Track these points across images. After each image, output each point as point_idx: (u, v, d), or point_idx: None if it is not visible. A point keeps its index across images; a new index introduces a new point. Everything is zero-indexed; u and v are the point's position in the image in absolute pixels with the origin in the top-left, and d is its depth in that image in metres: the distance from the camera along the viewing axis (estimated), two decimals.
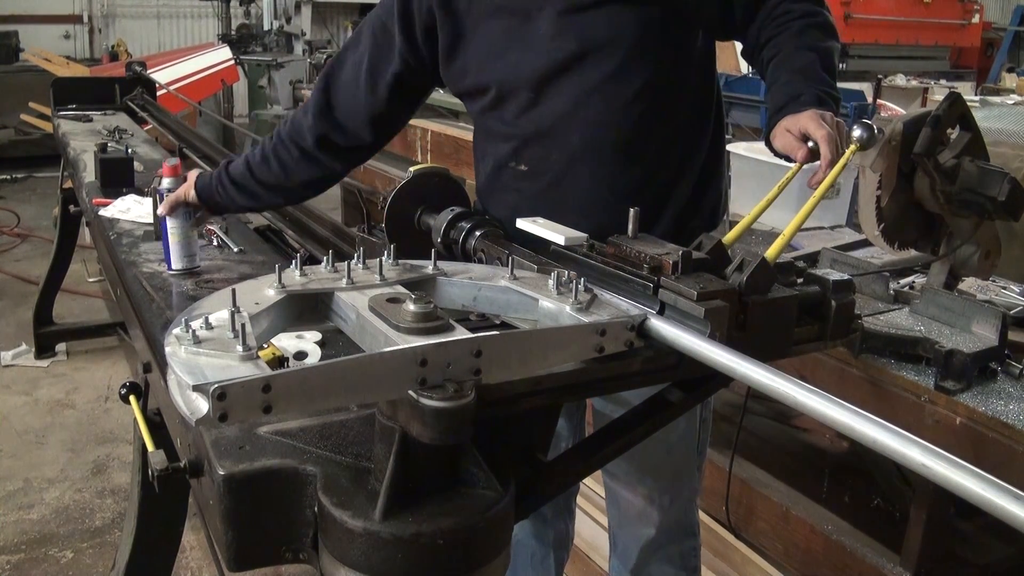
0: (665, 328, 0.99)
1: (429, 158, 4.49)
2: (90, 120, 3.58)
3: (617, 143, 1.56)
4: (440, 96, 4.55)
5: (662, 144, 1.59)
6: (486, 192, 1.71)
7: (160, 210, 1.75)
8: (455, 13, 1.57)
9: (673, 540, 1.85)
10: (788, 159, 1.46)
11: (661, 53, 1.54)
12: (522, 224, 1.34)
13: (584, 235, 1.26)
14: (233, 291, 0.97)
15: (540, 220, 1.34)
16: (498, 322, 1.19)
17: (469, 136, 4.15)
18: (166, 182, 1.75)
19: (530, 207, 1.49)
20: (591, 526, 2.59)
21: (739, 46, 1.69)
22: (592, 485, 2.66)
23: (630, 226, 1.19)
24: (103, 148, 2.60)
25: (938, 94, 6.91)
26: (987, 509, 0.67)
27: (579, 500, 2.65)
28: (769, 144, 1.51)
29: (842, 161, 1.36)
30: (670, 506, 1.81)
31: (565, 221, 1.35)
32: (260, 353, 0.88)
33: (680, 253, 1.08)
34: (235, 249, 1.87)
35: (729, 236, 1.22)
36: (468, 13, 1.57)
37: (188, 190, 1.73)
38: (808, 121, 1.42)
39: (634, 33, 1.51)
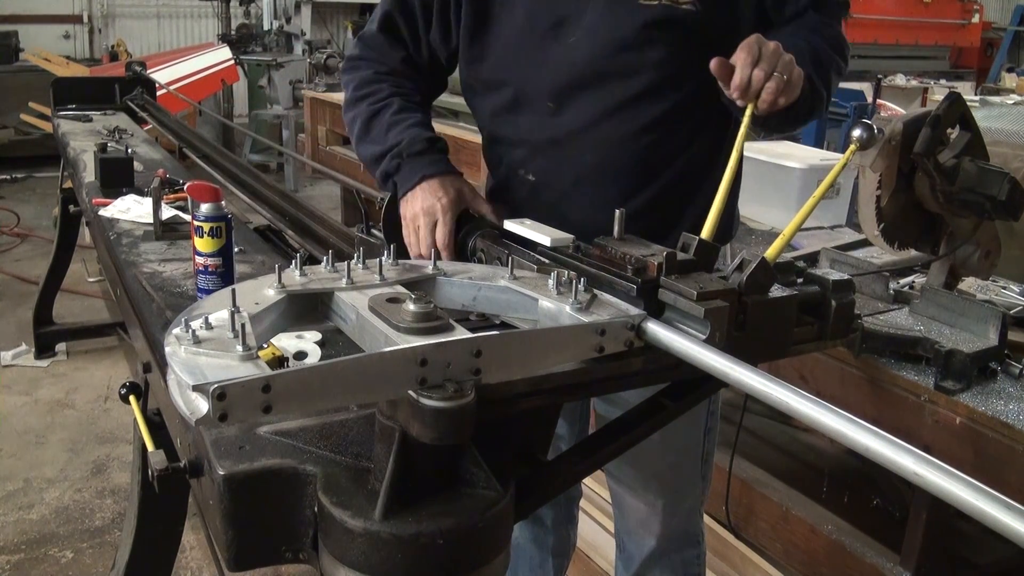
0: (660, 332, 0.99)
1: None
2: (90, 120, 3.58)
3: (630, 165, 1.51)
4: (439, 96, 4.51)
5: (677, 166, 1.54)
6: (494, 198, 1.66)
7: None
8: None
9: (675, 549, 1.84)
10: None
11: (690, 79, 1.45)
12: (509, 225, 1.33)
13: (571, 236, 1.25)
14: (233, 291, 0.97)
15: (527, 221, 1.33)
16: (498, 322, 1.19)
17: (469, 136, 4.17)
18: (205, 208, 1.45)
19: (535, 219, 1.44)
20: (592, 527, 2.59)
21: None
22: (594, 487, 2.66)
23: (616, 227, 1.17)
24: (103, 148, 2.60)
25: (938, 94, 6.93)
26: (979, 518, 0.67)
27: (581, 502, 2.66)
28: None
29: (842, 161, 1.36)
30: (673, 515, 1.80)
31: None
32: (260, 353, 0.88)
33: (664, 254, 1.08)
34: (235, 249, 1.87)
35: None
36: None
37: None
38: (742, 46, 1.27)
39: (667, 59, 1.45)
